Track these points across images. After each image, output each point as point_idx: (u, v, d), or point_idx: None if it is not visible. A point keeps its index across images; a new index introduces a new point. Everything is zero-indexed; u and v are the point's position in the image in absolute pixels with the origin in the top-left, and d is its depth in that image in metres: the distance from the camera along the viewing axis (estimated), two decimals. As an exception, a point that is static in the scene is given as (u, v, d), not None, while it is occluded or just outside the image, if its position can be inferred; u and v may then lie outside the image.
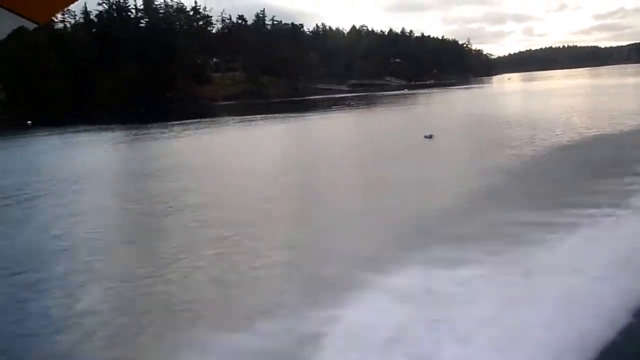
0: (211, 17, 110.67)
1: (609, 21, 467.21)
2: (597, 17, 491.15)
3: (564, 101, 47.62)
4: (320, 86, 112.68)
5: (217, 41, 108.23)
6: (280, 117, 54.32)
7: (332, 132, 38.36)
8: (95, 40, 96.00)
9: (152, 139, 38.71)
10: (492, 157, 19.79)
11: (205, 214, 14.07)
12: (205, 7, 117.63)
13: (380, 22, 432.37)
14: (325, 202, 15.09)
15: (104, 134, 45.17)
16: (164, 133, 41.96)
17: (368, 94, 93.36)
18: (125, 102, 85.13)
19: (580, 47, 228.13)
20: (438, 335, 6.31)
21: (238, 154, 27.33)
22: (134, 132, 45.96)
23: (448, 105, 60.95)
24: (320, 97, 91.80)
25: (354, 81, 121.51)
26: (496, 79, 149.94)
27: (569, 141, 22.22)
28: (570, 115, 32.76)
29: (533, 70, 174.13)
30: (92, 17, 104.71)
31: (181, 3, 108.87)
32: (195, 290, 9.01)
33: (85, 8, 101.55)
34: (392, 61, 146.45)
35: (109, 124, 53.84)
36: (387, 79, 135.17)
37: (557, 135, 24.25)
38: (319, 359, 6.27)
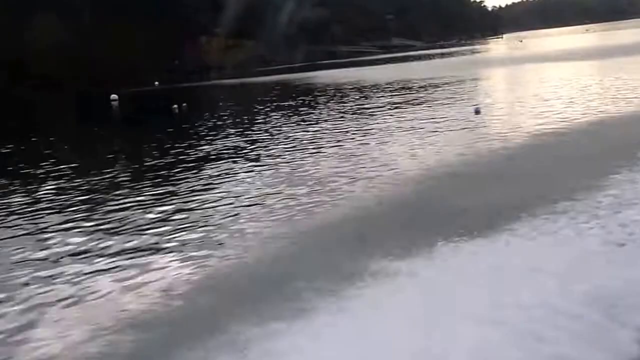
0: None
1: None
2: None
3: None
4: (337, 49, 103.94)
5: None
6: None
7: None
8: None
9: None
10: None
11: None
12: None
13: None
14: None
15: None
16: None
17: (408, 54, 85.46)
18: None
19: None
20: None
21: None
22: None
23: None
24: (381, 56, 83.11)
25: (374, 43, 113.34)
26: (511, 37, 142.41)
27: None
28: None
29: (540, 28, 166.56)
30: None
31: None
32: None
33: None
34: (388, 18, 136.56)
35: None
36: (395, 40, 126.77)
37: None
38: None
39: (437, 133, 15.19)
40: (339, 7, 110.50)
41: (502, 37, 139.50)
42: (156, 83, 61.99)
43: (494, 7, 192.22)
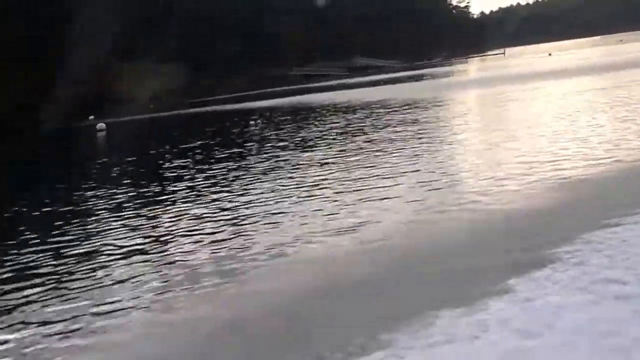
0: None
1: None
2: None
3: None
4: (291, 72, 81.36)
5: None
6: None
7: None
8: None
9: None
10: None
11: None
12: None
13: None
14: None
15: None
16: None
17: (379, 77, 63.60)
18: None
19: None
20: None
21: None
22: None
23: None
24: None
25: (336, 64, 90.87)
26: (513, 53, 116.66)
27: None
28: None
29: (542, 41, 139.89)
30: None
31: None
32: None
33: None
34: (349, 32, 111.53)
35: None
36: (360, 59, 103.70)
37: None
38: None
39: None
40: (292, 20, 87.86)
41: (504, 54, 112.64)
42: (91, 117, 54.37)
43: (482, 13, 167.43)
